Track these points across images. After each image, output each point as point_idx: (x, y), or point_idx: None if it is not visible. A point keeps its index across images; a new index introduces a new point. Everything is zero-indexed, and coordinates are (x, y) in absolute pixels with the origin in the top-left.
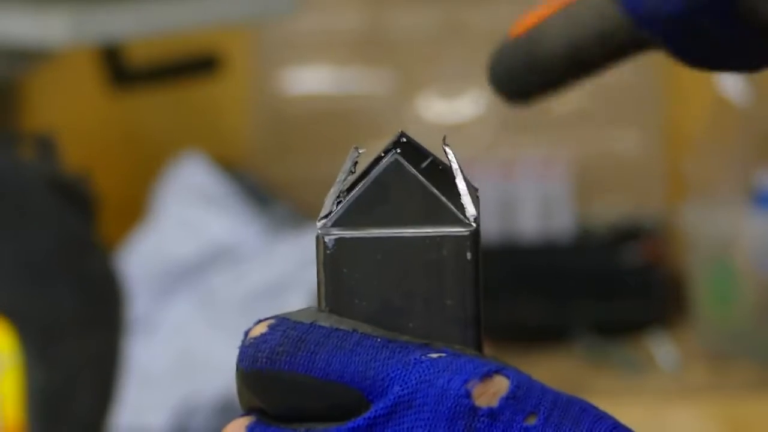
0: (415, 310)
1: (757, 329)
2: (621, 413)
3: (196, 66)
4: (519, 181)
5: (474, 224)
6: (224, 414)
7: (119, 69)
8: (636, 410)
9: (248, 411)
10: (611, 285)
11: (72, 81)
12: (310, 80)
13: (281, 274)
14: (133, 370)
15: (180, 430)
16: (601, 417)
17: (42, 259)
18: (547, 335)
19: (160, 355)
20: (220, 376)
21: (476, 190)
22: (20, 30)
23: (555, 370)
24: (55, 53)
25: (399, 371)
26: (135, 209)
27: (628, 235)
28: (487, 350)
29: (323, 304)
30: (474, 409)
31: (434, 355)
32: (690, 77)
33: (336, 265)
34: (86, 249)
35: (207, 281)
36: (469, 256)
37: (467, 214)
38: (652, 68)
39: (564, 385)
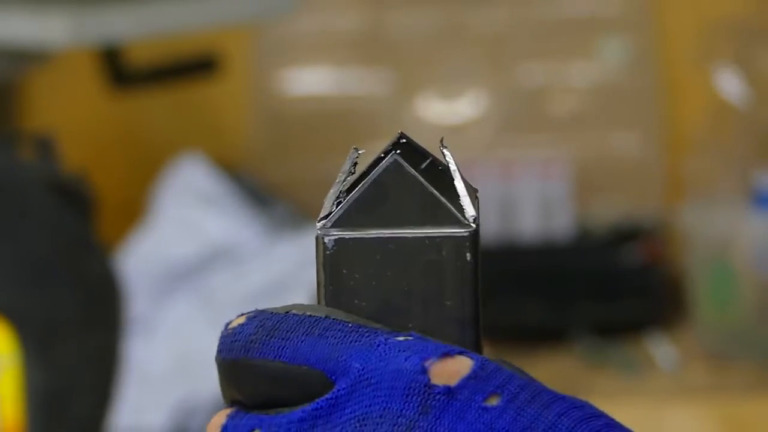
0: (415, 310)
1: (757, 329)
2: (620, 413)
3: (196, 67)
4: (519, 181)
5: (473, 225)
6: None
7: (119, 70)
8: (635, 411)
9: (231, 404)
10: (611, 285)
11: (72, 82)
12: (309, 81)
13: (281, 274)
14: (132, 370)
15: (179, 430)
16: (581, 406)
17: (41, 260)
18: (546, 335)
19: (159, 356)
20: None
21: (476, 191)
22: (20, 31)
23: (554, 371)
24: (54, 54)
25: (361, 352)
26: (135, 210)
27: (628, 235)
28: (487, 350)
29: (323, 304)
30: (429, 386)
31: (400, 338)
32: (690, 77)
33: (336, 266)
34: (85, 249)
35: (206, 282)
36: (468, 256)
37: (467, 215)
38: (651, 68)
39: (563, 386)
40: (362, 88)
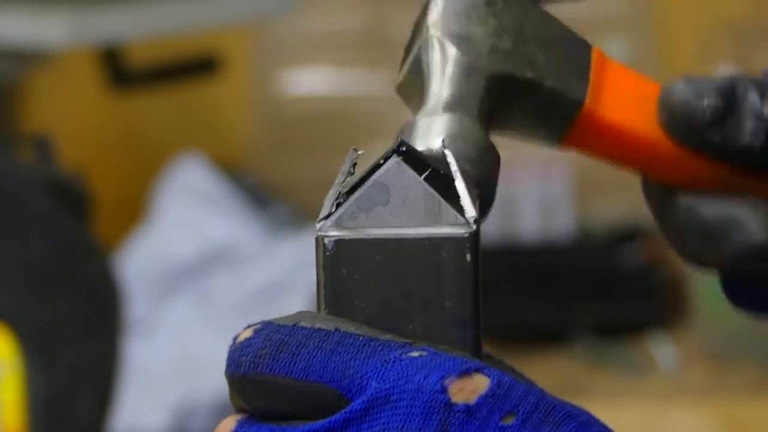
0: (415, 311)
1: (757, 330)
2: (621, 414)
3: (196, 67)
4: (519, 182)
5: (473, 226)
6: (223, 414)
7: (119, 70)
8: (636, 411)
9: (240, 410)
10: (611, 286)
11: (72, 82)
12: (310, 81)
13: (281, 274)
14: (133, 370)
15: (179, 430)
16: (588, 423)
17: (41, 265)
18: (546, 336)
19: (160, 356)
20: (219, 376)
21: (477, 192)
22: (21, 32)
23: (555, 371)
24: (55, 55)
25: (377, 369)
26: (135, 210)
27: (628, 236)
28: (486, 350)
29: (323, 305)
30: (450, 405)
31: (415, 354)
32: None
33: (335, 267)
34: (84, 252)
35: (207, 282)
36: (468, 257)
37: (467, 216)
38: (651, 69)
39: (563, 386)
40: (363, 89)
